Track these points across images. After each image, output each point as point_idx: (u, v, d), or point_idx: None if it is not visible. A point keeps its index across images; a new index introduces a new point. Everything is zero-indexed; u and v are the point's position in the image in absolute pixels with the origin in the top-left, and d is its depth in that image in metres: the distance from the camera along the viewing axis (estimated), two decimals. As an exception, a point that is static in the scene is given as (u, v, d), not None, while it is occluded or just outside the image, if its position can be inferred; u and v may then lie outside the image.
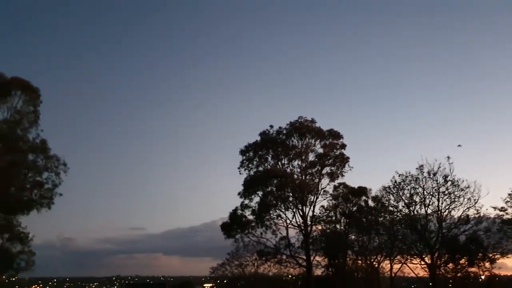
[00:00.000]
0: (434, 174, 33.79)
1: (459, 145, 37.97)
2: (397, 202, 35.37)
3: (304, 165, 41.35)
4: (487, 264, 33.85)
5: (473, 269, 35.27)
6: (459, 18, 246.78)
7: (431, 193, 33.91)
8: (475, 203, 32.47)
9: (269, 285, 44.17)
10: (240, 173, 41.33)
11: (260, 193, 39.55)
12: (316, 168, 41.33)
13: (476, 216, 32.95)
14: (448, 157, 33.43)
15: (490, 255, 33.29)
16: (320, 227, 41.55)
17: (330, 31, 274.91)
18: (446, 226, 33.85)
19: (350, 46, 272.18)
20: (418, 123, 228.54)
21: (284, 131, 41.45)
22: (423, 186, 34.12)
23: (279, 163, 41.50)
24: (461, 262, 34.57)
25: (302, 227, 40.26)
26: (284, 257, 41.05)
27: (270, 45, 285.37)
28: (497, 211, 32.76)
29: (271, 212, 39.68)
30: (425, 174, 34.05)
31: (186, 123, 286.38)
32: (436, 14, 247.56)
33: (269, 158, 41.70)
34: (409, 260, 36.41)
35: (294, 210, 40.39)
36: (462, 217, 33.21)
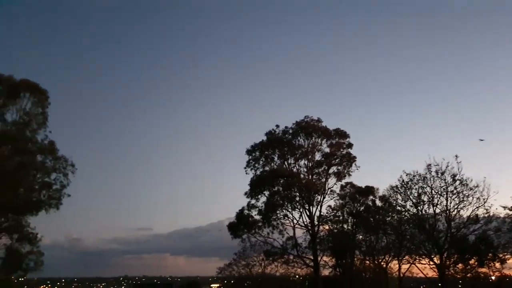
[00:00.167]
0: (442, 173, 33.41)
1: (481, 139, 37.56)
2: (404, 202, 35.06)
3: (310, 165, 41.21)
4: (497, 265, 33.40)
5: (483, 270, 34.79)
6: (458, 19, 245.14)
7: (439, 193, 33.53)
8: (484, 202, 32.02)
9: (276, 285, 44.08)
10: (246, 173, 41.41)
11: (266, 193, 39.48)
12: (322, 168, 41.17)
13: (486, 215, 32.46)
14: (456, 156, 33.08)
15: (500, 255, 32.83)
16: (327, 227, 41.38)
17: (334, 31, 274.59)
18: (455, 225, 33.44)
19: (356, 45, 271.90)
20: (425, 122, 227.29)
21: (290, 131, 41.37)
22: (431, 185, 33.78)
23: (286, 162, 41.42)
24: (470, 262, 34.12)
25: (309, 227, 40.09)
26: (291, 257, 40.93)
27: (274, 45, 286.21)
28: (507, 211, 32.32)
29: (277, 212, 39.57)
30: (433, 173, 33.70)
31: (193, 124, 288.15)
32: (434, 14, 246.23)
33: (276, 158, 41.66)
34: (417, 260, 36.07)
35: (301, 210, 40.28)
36: (471, 216, 32.77)
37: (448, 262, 33.99)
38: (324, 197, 40.75)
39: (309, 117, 41.81)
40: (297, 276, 43.94)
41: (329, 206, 41.05)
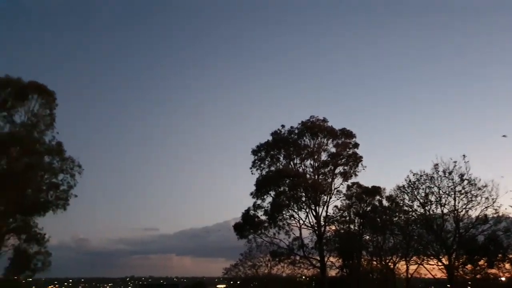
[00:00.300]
0: (450, 173, 32.98)
1: (504, 136, 37.12)
2: (412, 202, 34.68)
3: (316, 165, 41.05)
4: (507, 266, 32.81)
5: (493, 271, 34.18)
6: (463, 19, 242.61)
7: (447, 193, 33.12)
8: (493, 202, 31.50)
9: (282, 286, 43.87)
10: (252, 173, 41.36)
11: (272, 193, 39.39)
12: (328, 168, 40.98)
13: (495, 215, 31.94)
14: (464, 155, 32.66)
15: (510, 256, 32.27)
16: (333, 228, 41.14)
17: (339, 31, 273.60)
18: (463, 226, 32.93)
19: (360, 45, 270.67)
20: (432, 121, 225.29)
21: (296, 131, 41.29)
22: (439, 185, 33.41)
23: (291, 163, 41.31)
24: (480, 263, 33.58)
25: (316, 228, 39.89)
26: (297, 258, 40.73)
27: (279, 45, 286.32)
28: (517, 211, 31.74)
29: (283, 212, 39.43)
30: (441, 173, 33.32)
31: (199, 124, 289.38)
32: (436, 14, 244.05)
33: (281, 158, 41.57)
34: (425, 261, 35.65)
35: (307, 210, 40.09)
36: (480, 216, 32.30)
37: (457, 263, 33.52)
38: (330, 197, 40.59)
39: (314, 117, 41.75)
40: (303, 277, 43.72)
41: (336, 206, 40.87)
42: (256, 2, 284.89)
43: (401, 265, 39.92)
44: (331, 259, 40.56)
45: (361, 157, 41.19)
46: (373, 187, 41.00)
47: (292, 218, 39.65)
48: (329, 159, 41.30)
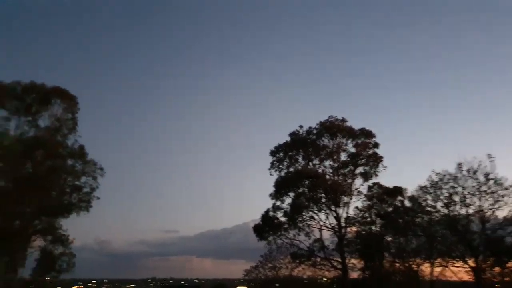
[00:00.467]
0: (474, 173, 32.14)
1: None
2: (435, 202, 33.98)
3: (336, 165, 40.60)
4: (537, 268, 31.66)
5: (522, 273, 33.03)
6: (482, 18, 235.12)
7: (472, 193, 32.27)
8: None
9: (303, 288, 43.50)
10: (270, 174, 41.24)
11: (291, 194, 39.14)
12: (348, 168, 40.47)
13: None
14: (489, 154, 31.72)
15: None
16: (354, 229, 40.50)
17: (361, 30, 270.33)
18: (490, 227, 32.04)
19: (381, 45, 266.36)
20: (454, 120, 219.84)
21: (314, 131, 40.95)
22: (463, 185, 32.57)
23: (310, 163, 40.99)
24: (508, 265, 32.52)
25: (336, 229, 39.43)
26: (318, 259, 40.31)
27: (296, 45, 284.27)
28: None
29: (303, 213, 39.14)
30: (464, 173, 32.48)
31: (218, 126, 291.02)
32: (460, 14, 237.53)
33: (300, 159, 41.31)
34: (451, 263, 34.73)
35: (327, 211, 39.63)
36: (508, 217, 31.31)
37: (484, 265, 32.54)
38: (351, 198, 40.01)
39: (333, 117, 41.33)
40: (324, 279, 43.23)
41: (356, 207, 40.23)
42: (280, 0, 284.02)
43: (425, 267, 38.96)
44: (353, 260, 39.97)
45: (381, 157, 40.54)
46: (395, 187, 40.20)
47: (312, 220, 39.34)
48: (348, 159, 40.79)
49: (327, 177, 40.11)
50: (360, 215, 40.02)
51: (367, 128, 41.26)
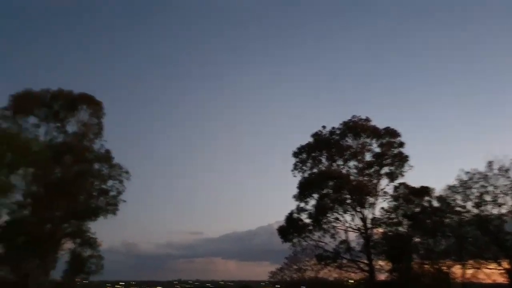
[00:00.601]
0: (506, 171, 31.03)
1: None
2: (464, 202, 32.97)
3: (360, 166, 40.01)
4: None
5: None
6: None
7: (504, 192, 31.16)
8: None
9: (329, 290, 42.98)
10: (294, 176, 40.99)
11: (315, 195, 38.80)
12: (373, 169, 39.81)
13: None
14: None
15: None
16: (381, 230, 39.75)
17: (383, 26, 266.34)
18: (524, 227, 30.83)
19: (406, 39, 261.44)
20: (481, 117, 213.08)
21: (338, 131, 40.53)
22: (494, 184, 31.49)
23: (334, 164, 40.53)
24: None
25: (362, 230, 38.83)
26: (344, 261, 39.77)
27: (316, 44, 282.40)
28: None
29: (328, 215, 38.70)
30: (496, 171, 31.41)
31: (240, 127, 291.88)
32: (486, 12, 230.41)
33: (323, 160, 40.90)
34: (483, 265, 33.57)
35: (353, 212, 39.08)
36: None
37: (519, 267, 31.33)
38: (376, 199, 39.33)
39: (356, 116, 40.79)
40: (351, 281, 42.62)
41: (382, 208, 39.49)
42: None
43: (456, 269, 37.82)
44: (380, 262, 39.24)
45: (407, 156, 39.71)
46: (421, 187, 39.23)
47: (337, 221, 38.86)
48: (373, 159, 40.13)
49: (352, 177, 39.56)
50: (386, 216, 39.27)
51: (391, 127, 40.59)
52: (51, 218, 34.03)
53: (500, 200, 31.21)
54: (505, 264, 31.38)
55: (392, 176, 39.59)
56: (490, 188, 31.67)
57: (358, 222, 38.89)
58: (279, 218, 41.38)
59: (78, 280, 40.07)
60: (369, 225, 38.85)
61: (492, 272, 33.03)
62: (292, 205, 39.77)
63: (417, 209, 38.67)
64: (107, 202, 35.86)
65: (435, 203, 37.59)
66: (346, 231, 39.06)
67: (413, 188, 39.31)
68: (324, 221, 38.84)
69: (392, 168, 39.69)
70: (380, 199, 39.38)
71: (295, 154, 41.33)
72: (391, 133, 40.20)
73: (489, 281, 34.84)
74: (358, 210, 38.93)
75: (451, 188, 33.71)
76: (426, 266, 39.35)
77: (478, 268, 34.64)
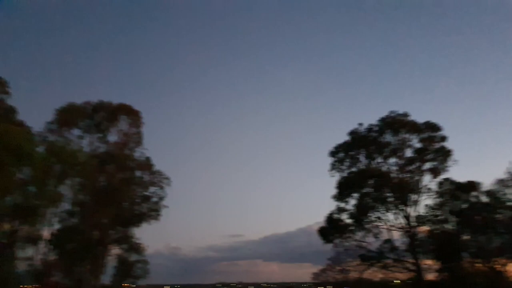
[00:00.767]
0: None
1: None
2: (516, 196, 31.16)
3: (401, 162, 38.78)
4: None
5: None
6: None
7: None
8: None
9: (375, 291, 41.81)
10: (332, 176, 40.37)
11: (355, 195, 38.02)
12: (415, 165, 38.43)
13: None
14: None
15: None
16: (426, 228, 38.25)
17: (420, 19, 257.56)
18: None
19: (444, 34, 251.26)
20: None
21: (375, 128, 39.52)
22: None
23: (373, 162, 39.54)
24: None
25: (407, 229, 37.56)
26: (389, 261, 38.61)
27: (357, 40, 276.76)
28: None
29: (369, 214, 37.78)
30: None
31: (279, 130, 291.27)
32: None
33: (362, 158, 40.00)
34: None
35: (396, 211, 37.91)
36: None
37: None
38: (420, 196, 37.95)
39: (394, 112, 39.58)
40: (397, 281, 41.28)
41: (427, 205, 38.02)
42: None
43: (511, 267, 35.72)
44: (427, 261, 37.75)
45: (450, 150, 38.01)
46: (468, 182, 37.41)
47: (379, 220, 37.84)
48: (414, 155, 38.78)
49: (393, 175, 38.43)
50: (431, 213, 37.75)
51: (432, 121, 39.08)
52: (98, 225, 35.45)
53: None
54: None
55: (435, 172, 38.08)
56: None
57: (401, 220, 37.72)
58: (318, 219, 40.95)
59: (126, 285, 41.38)
60: (413, 223, 37.53)
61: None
62: (332, 205, 39.25)
63: (465, 205, 36.93)
64: (150, 208, 36.93)
65: (484, 198, 35.79)
66: (389, 230, 37.96)
67: (459, 183, 37.61)
68: (366, 220, 37.94)
69: (435, 163, 38.19)
70: (424, 196, 38.00)
71: (332, 154, 40.71)
72: (432, 127, 38.72)
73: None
74: (401, 208, 37.74)
75: (500, 182, 31.98)
76: (478, 264, 37.47)
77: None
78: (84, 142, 36.96)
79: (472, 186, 36.89)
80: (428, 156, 38.32)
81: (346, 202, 38.51)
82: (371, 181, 37.74)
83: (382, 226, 38.03)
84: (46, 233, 33.63)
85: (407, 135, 39.26)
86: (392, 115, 39.51)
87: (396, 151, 39.08)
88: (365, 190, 37.90)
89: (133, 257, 37.73)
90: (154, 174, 37.39)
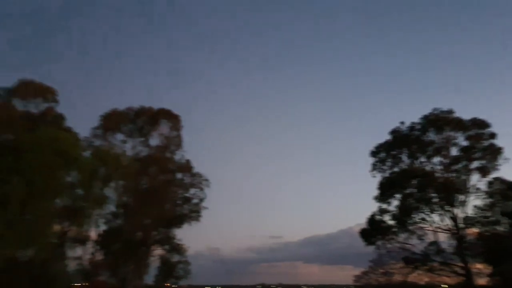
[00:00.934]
0: None
1: None
2: None
3: (446, 161, 37.22)
4: None
5: None
6: None
7: None
8: None
9: (421, 295, 40.32)
10: (373, 176, 39.40)
11: (398, 195, 36.91)
12: (461, 164, 36.76)
13: None
14: None
15: None
16: (476, 230, 36.44)
17: (458, 12, 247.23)
18: None
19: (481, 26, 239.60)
20: None
21: (418, 126, 38.20)
22: None
23: (416, 161, 38.21)
24: None
25: (454, 231, 35.97)
26: (435, 264, 37.12)
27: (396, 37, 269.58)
28: None
29: (413, 215, 36.54)
30: None
31: (320, 129, 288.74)
32: None
33: (404, 157, 38.78)
34: None
35: (441, 212, 36.43)
36: None
37: None
38: (468, 196, 36.23)
39: (438, 109, 38.11)
40: (445, 286, 39.59)
41: (475, 206, 36.24)
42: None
43: None
44: (478, 265, 35.93)
45: (500, 148, 36.05)
46: (522, 180, 35.35)
47: (424, 222, 36.49)
48: (460, 153, 37.11)
49: (437, 174, 36.97)
50: (481, 214, 35.96)
51: (479, 118, 37.23)
52: (141, 226, 36.54)
53: None
54: None
55: (484, 171, 36.23)
56: None
57: (448, 222, 36.19)
58: (360, 220, 40.13)
59: (168, 285, 42.34)
60: (461, 225, 35.89)
61: None
62: (373, 206, 38.33)
63: (519, 206, 34.90)
64: (190, 209, 37.68)
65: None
66: (435, 232, 36.52)
67: (511, 182, 35.60)
68: (409, 222, 36.75)
69: (483, 162, 36.35)
70: (472, 197, 36.27)
71: (373, 154, 39.76)
72: (479, 124, 36.90)
73: None
74: (447, 209, 36.21)
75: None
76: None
77: None
78: (127, 146, 38.33)
79: (525, 185, 34.79)
80: (476, 155, 36.56)
81: (389, 203, 37.52)
82: (414, 181, 36.58)
83: (427, 228, 36.73)
84: (93, 234, 35.09)
85: (452, 133, 37.68)
86: (436, 112, 38.09)
87: (440, 150, 37.60)
88: (408, 191, 36.79)
89: (175, 258, 38.57)
90: (194, 176, 38.15)
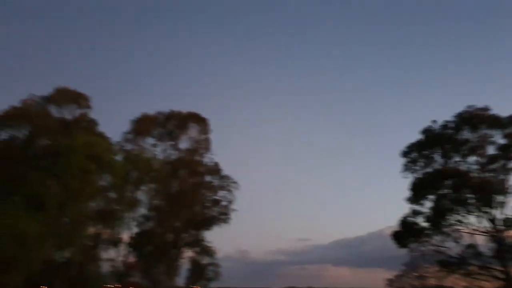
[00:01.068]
0: None
1: None
2: None
3: (482, 161, 35.81)
4: None
5: None
6: None
7: None
8: None
9: (458, 300, 38.89)
10: (405, 177, 38.36)
11: (431, 196, 35.77)
12: (499, 163, 35.25)
13: None
14: None
15: None
16: (517, 232, 34.86)
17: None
18: None
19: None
20: None
21: (451, 125, 36.95)
22: None
23: (450, 161, 36.95)
24: None
25: (493, 233, 34.52)
26: (473, 268, 35.71)
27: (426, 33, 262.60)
28: None
29: (448, 217, 35.32)
30: None
31: (349, 129, 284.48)
32: None
33: (437, 157, 37.56)
34: None
35: (478, 213, 35.05)
36: None
37: None
38: (506, 197, 34.66)
39: (472, 106, 36.70)
40: (484, 291, 38.03)
41: (515, 207, 34.64)
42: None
43: None
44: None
45: (541, 146, 34.37)
46: None
47: (460, 223, 35.19)
48: (498, 152, 35.60)
49: (473, 174, 35.60)
50: (521, 216, 34.36)
51: (517, 114, 35.60)
52: (172, 228, 37.12)
53: None
54: None
55: (523, 170, 34.64)
56: None
57: (486, 224, 34.72)
58: (390, 223, 39.13)
59: (198, 287, 42.75)
60: (500, 227, 34.39)
61: None
62: (405, 208, 37.31)
63: None
64: (220, 211, 37.96)
65: None
66: (471, 234, 35.13)
67: (553, 182, 33.87)
68: (444, 224, 35.53)
69: (523, 160, 34.76)
70: (511, 197, 34.69)
71: (404, 154, 38.71)
72: (518, 121, 35.32)
73: None
74: (485, 210, 34.78)
75: None
76: None
77: None
78: (157, 149, 39.12)
79: None
80: (514, 153, 35.00)
81: (421, 204, 36.42)
82: (448, 182, 35.36)
83: (463, 230, 35.37)
84: (125, 236, 35.95)
85: (488, 131, 36.24)
86: (470, 109, 36.70)
87: (475, 149, 36.20)
88: (442, 192, 35.59)
89: (205, 260, 38.91)
90: (223, 179, 38.43)
